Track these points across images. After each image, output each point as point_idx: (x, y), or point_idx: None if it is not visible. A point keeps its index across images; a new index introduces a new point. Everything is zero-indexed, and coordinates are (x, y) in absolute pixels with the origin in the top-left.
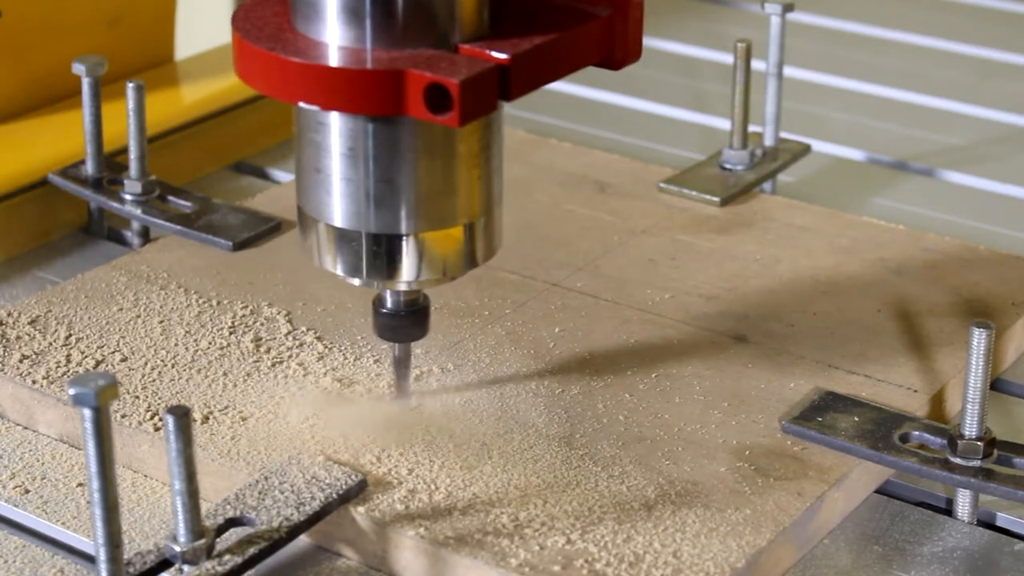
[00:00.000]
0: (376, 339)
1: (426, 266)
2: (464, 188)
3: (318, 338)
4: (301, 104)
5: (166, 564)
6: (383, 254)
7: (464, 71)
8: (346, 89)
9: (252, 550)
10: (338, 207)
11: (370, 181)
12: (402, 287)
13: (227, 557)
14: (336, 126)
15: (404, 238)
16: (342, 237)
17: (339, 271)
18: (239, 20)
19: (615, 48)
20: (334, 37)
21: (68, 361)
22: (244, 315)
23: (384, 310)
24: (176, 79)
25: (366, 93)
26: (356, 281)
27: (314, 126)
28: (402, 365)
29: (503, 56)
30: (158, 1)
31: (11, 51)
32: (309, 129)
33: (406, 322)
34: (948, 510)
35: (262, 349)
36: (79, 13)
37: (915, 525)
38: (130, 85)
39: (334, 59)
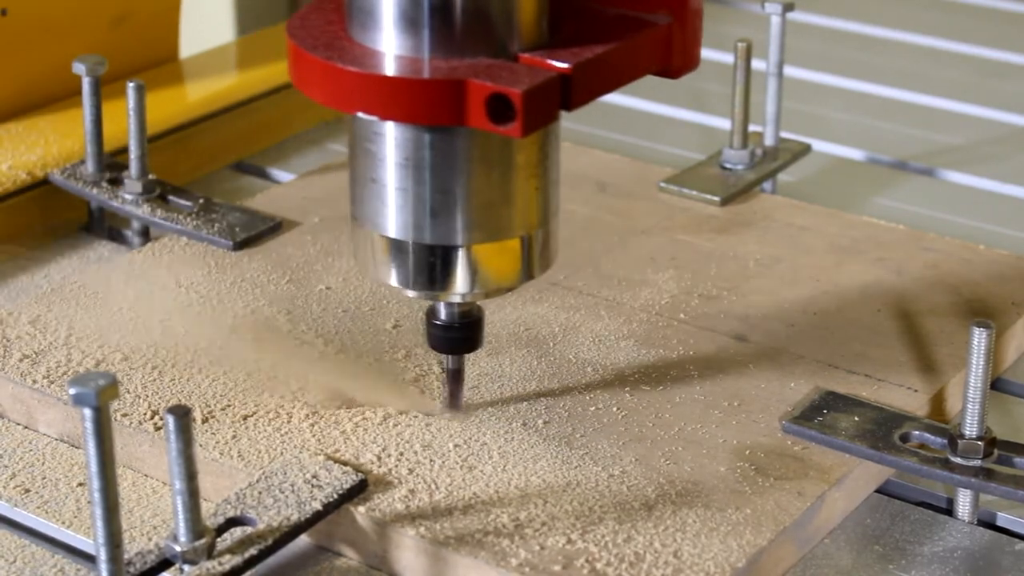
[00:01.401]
0: (376, 338)
1: (481, 278)
2: (522, 199)
3: (318, 337)
4: (359, 114)
5: (166, 564)
6: (438, 266)
7: (526, 81)
8: (405, 99)
9: (252, 550)
10: (393, 218)
11: (426, 191)
12: (456, 299)
13: (227, 557)
14: (392, 136)
15: (460, 250)
16: (396, 248)
17: (393, 282)
18: (294, 28)
19: (673, 56)
20: (391, 46)
21: (68, 361)
22: (244, 315)
23: (438, 322)
24: (180, 78)
25: (426, 103)
26: (411, 293)
27: (370, 136)
28: (455, 378)
29: (564, 65)
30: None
31: (15, 50)
32: (364, 139)
33: (460, 334)
34: (948, 510)
35: (262, 349)
36: (83, 12)
37: (915, 525)
38: (130, 85)
39: (392, 68)
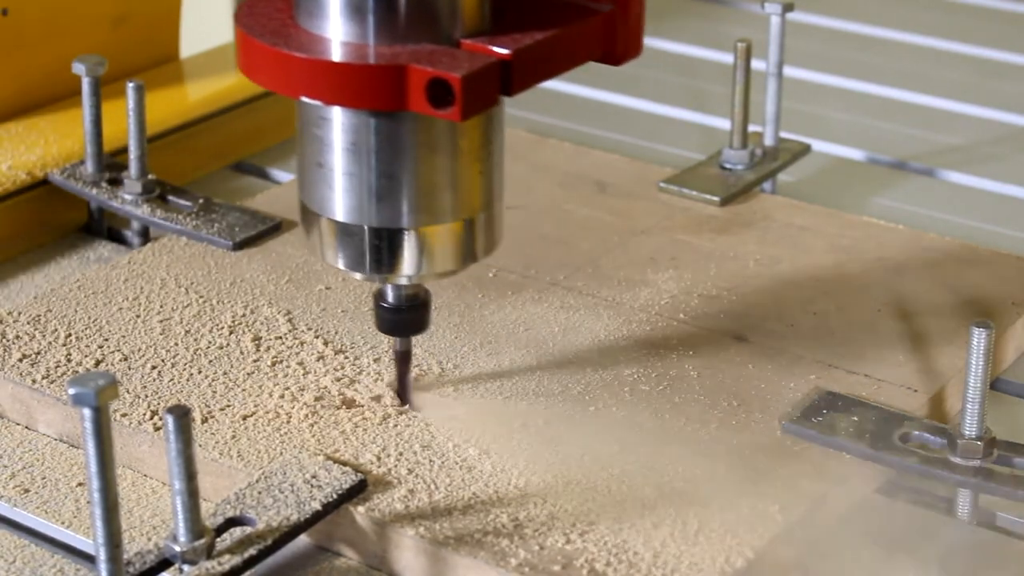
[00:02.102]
0: (376, 338)
1: (427, 260)
2: (465, 183)
3: (318, 337)
4: (304, 99)
5: (166, 564)
6: (385, 248)
7: (466, 66)
8: (349, 84)
9: (252, 550)
10: (340, 202)
11: (372, 176)
12: (403, 281)
13: (227, 557)
14: (338, 121)
15: (405, 232)
16: (344, 231)
17: (341, 265)
18: (242, 16)
19: (616, 44)
20: (337, 33)
21: (68, 361)
22: (244, 315)
23: (385, 304)
24: (180, 78)
25: (368, 88)
26: (358, 275)
27: (316, 121)
28: (403, 360)
29: (504, 51)
30: None
31: (15, 50)
32: (311, 124)
33: (407, 316)
34: (948, 510)
35: (262, 349)
36: (84, 12)
37: (915, 525)
38: (130, 85)
39: (337, 54)
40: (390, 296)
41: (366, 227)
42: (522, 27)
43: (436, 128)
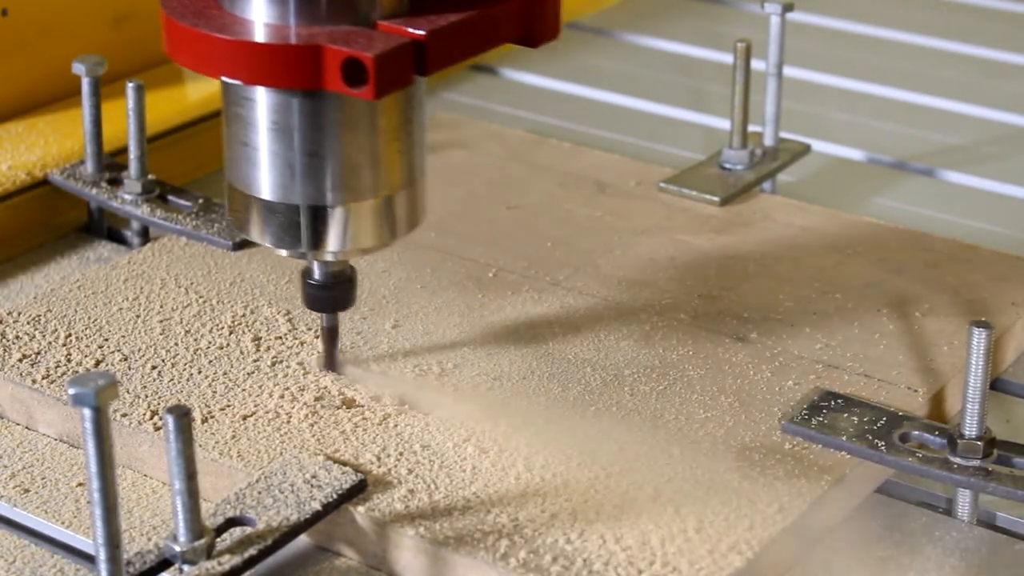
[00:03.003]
0: (376, 339)
1: (350, 237)
2: (385, 161)
3: (318, 337)
4: (225, 79)
5: (166, 564)
6: (308, 225)
7: (379, 46)
8: (267, 64)
9: (252, 550)
10: (265, 180)
11: (294, 154)
12: (328, 257)
13: (227, 557)
14: (262, 101)
15: (329, 209)
16: (269, 209)
17: (267, 243)
18: (168, 0)
19: (533, 26)
20: (259, 15)
21: (68, 361)
22: (244, 315)
23: (312, 281)
24: (180, 78)
25: (286, 67)
26: (283, 252)
27: (240, 101)
28: (331, 335)
29: (420, 32)
30: None
31: (15, 50)
32: (235, 104)
33: (333, 293)
34: (948, 510)
35: (262, 349)
36: (84, 11)
37: (915, 525)
38: (130, 85)
39: (256, 35)
40: (316, 273)
41: (291, 205)
42: (439, 9)
43: (356, 107)
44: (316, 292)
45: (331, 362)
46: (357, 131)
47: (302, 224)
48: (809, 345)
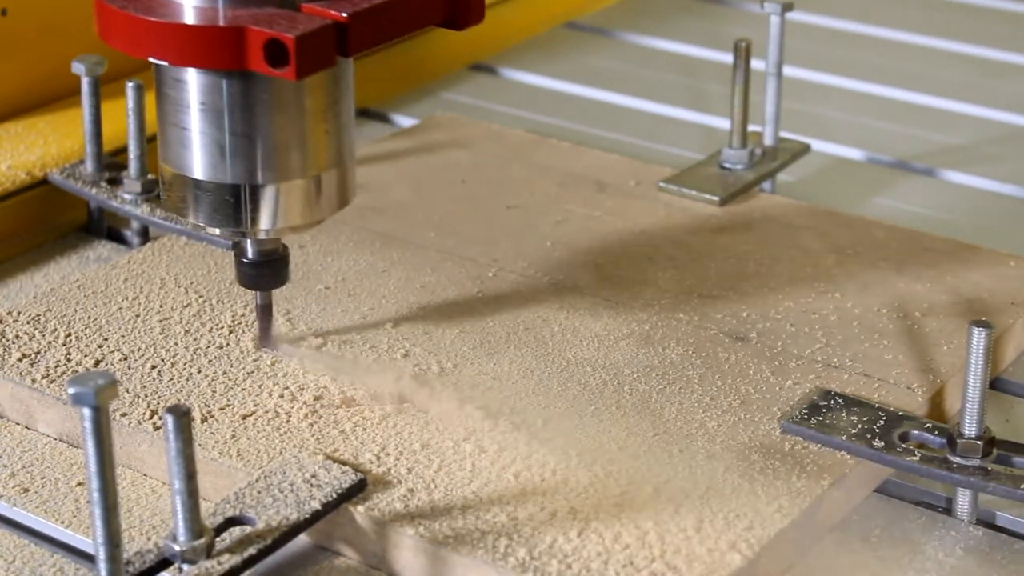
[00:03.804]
0: (375, 338)
1: (280, 215)
2: (313, 141)
3: (317, 337)
4: (152, 60)
5: (165, 563)
6: (238, 204)
7: (301, 27)
8: (192, 45)
9: (251, 549)
10: (197, 160)
11: (224, 135)
12: (260, 236)
13: (226, 556)
14: (192, 82)
15: (256, 188)
16: (201, 188)
17: (201, 222)
18: None
19: (457, 9)
20: None
21: (68, 360)
22: (244, 314)
23: (245, 260)
24: None
25: (210, 49)
26: (215, 231)
27: (170, 82)
28: (265, 313)
29: (342, 14)
30: None
31: (15, 50)
32: (166, 85)
33: (266, 271)
34: (948, 510)
35: (262, 348)
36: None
37: (914, 524)
38: (129, 85)
39: (184, 17)
40: (249, 251)
41: (222, 184)
42: None
43: (282, 88)
44: (249, 270)
45: (266, 339)
46: (284, 112)
47: (234, 203)
48: (809, 345)
